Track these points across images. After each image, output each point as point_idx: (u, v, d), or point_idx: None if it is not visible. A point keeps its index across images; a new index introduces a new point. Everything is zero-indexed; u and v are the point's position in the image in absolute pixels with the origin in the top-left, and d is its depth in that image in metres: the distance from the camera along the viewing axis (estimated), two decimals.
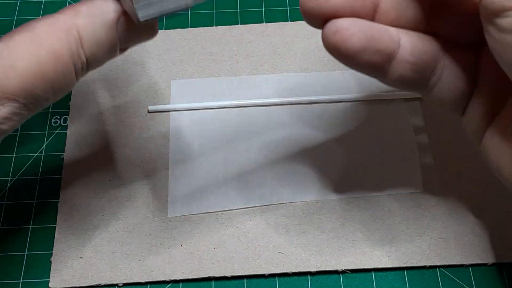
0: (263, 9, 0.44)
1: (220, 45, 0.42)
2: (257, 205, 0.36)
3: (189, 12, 0.44)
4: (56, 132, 0.38)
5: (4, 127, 0.26)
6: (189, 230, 0.35)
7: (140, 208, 0.36)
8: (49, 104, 0.27)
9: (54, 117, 0.39)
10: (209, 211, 0.36)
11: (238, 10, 0.44)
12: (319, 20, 0.28)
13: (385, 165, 0.37)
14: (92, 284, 0.33)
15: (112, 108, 0.38)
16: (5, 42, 0.25)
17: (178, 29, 0.43)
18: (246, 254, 0.34)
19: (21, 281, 0.33)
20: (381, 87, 0.39)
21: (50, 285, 0.33)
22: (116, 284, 0.33)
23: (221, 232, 0.35)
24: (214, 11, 0.44)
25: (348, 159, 0.37)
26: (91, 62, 0.27)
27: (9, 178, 0.37)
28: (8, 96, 0.25)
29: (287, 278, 0.34)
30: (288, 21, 0.43)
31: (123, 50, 0.29)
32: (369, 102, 0.39)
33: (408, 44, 0.27)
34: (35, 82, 0.25)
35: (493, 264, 0.33)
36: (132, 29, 0.27)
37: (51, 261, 0.34)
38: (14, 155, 0.37)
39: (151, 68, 0.41)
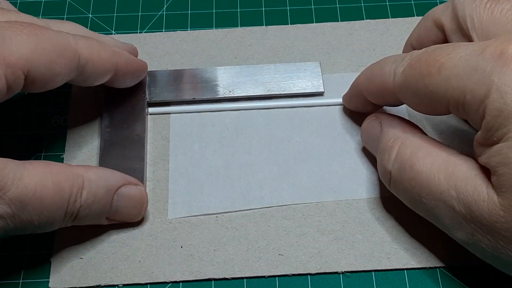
0: (263, 9, 0.44)
1: (220, 48, 0.42)
2: (257, 207, 0.36)
3: (189, 12, 0.44)
4: (56, 132, 0.38)
5: None
6: (189, 231, 0.35)
7: None
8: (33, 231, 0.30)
9: (54, 117, 0.39)
10: (209, 213, 0.36)
11: (238, 10, 0.44)
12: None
13: None
14: (92, 285, 0.33)
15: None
16: (25, 165, 0.29)
17: (178, 31, 0.43)
18: (246, 256, 0.34)
19: (21, 281, 0.33)
20: None
21: (50, 285, 0.33)
22: (116, 285, 0.33)
23: (221, 234, 0.35)
24: (214, 11, 0.44)
25: (348, 160, 0.37)
26: (80, 214, 0.31)
27: None
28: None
29: (287, 278, 0.34)
30: (288, 22, 0.43)
31: (108, 220, 0.34)
32: None
33: None
34: (29, 203, 0.28)
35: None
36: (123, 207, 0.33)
37: (51, 261, 0.34)
38: (14, 155, 0.37)
39: (151, 69, 0.41)
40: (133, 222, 0.35)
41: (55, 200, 0.29)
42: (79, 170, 0.31)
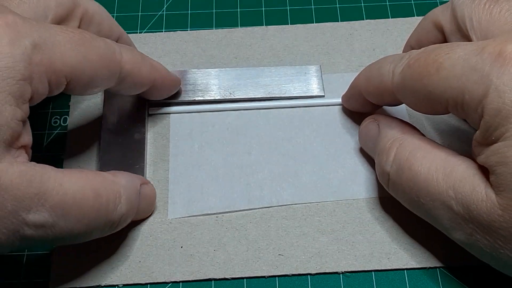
0: (263, 9, 0.44)
1: (220, 48, 0.42)
2: (257, 207, 0.36)
3: (189, 12, 0.44)
4: (56, 132, 0.38)
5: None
6: (189, 231, 0.35)
7: None
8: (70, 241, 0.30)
9: (54, 117, 0.39)
10: (209, 213, 0.36)
11: (238, 10, 0.44)
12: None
13: None
14: (92, 285, 0.33)
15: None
16: (63, 172, 0.28)
17: (178, 31, 0.43)
18: (246, 256, 0.34)
19: (21, 281, 0.33)
20: None
21: (50, 285, 0.33)
22: (116, 285, 0.33)
23: (221, 234, 0.35)
24: (214, 11, 0.44)
25: (348, 160, 0.37)
26: (121, 221, 0.31)
27: None
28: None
29: (287, 278, 0.34)
30: (288, 22, 0.43)
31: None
32: None
33: None
34: (70, 210, 0.28)
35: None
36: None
37: (51, 261, 0.34)
38: None
39: None
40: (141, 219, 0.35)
41: (95, 208, 0.29)
42: (113, 177, 0.31)
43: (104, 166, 0.35)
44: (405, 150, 0.31)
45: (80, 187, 0.28)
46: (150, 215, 0.35)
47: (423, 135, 0.33)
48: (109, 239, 0.34)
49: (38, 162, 0.37)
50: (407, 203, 0.32)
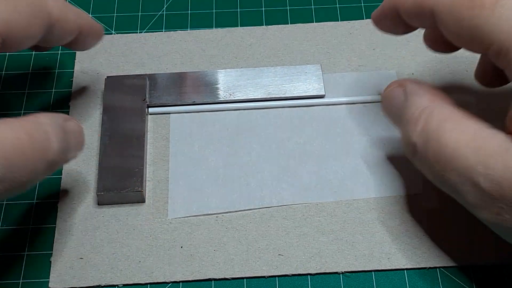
0: (263, 9, 0.44)
1: (220, 47, 0.42)
2: (257, 207, 0.36)
3: (189, 12, 0.44)
4: None
5: None
6: (189, 231, 0.35)
7: (140, 210, 0.36)
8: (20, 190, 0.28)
9: None
10: (209, 213, 0.36)
11: (238, 10, 0.44)
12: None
13: (385, 166, 0.37)
14: (92, 285, 0.33)
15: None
16: None
17: (178, 31, 0.43)
18: (246, 256, 0.34)
19: (21, 281, 0.33)
20: (381, 89, 0.39)
21: (50, 285, 0.33)
22: (116, 285, 0.33)
23: (221, 234, 0.35)
24: (214, 11, 0.44)
25: (348, 160, 0.37)
26: (60, 155, 0.29)
27: None
28: None
29: (287, 278, 0.34)
30: (288, 22, 0.43)
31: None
32: (368, 104, 0.39)
33: None
34: (13, 158, 0.26)
35: (493, 265, 0.34)
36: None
37: (51, 261, 0.34)
38: None
39: (151, 70, 0.41)
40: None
41: (34, 150, 0.27)
42: (36, 118, 0.29)
43: (104, 166, 0.35)
44: (434, 120, 0.29)
45: (15, 132, 0.27)
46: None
47: (454, 103, 0.30)
48: (109, 239, 0.34)
49: None
50: (432, 176, 0.30)
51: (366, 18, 0.43)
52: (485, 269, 0.32)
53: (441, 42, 0.33)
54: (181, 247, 0.34)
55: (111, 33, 0.43)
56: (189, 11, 0.44)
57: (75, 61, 0.41)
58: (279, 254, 0.34)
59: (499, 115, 0.28)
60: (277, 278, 0.34)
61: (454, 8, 0.27)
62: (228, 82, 0.39)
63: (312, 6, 0.44)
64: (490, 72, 0.33)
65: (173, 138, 0.38)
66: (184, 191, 0.36)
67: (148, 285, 0.34)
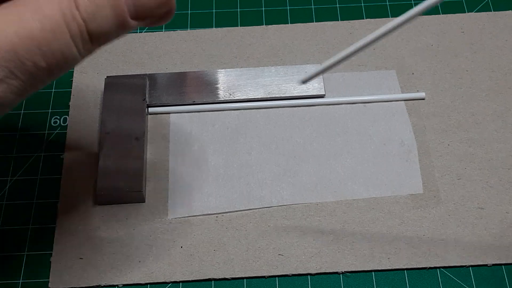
0: (263, 9, 0.44)
1: (220, 47, 0.42)
2: (257, 207, 0.36)
3: (189, 12, 0.44)
4: (56, 132, 0.38)
5: None
6: (189, 231, 0.35)
7: (140, 209, 0.36)
8: (47, 80, 0.24)
9: (54, 117, 0.39)
10: (209, 213, 0.36)
11: (238, 10, 0.44)
12: None
13: (385, 166, 0.37)
14: (92, 285, 0.33)
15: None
16: None
17: (178, 30, 0.43)
18: (246, 256, 0.34)
19: (21, 281, 0.33)
20: (381, 88, 0.39)
21: (50, 285, 0.33)
22: (116, 285, 0.33)
23: (221, 234, 0.35)
24: (214, 10, 0.44)
25: (348, 160, 0.37)
26: (92, 29, 0.23)
27: (9, 178, 0.36)
28: None
29: (287, 278, 0.34)
30: (288, 21, 0.43)
31: (137, 21, 0.25)
32: (368, 104, 0.39)
33: None
34: (16, 41, 0.22)
35: (493, 264, 0.34)
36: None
37: (51, 261, 0.34)
38: (14, 155, 0.37)
39: (151, 69, 0.41)
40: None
41: (46, 28, 0.22)
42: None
43: (103, 165, 0.35)
44: None
45: (16, 14, 0.22)
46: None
47: None
48: (108, 239, 0.34)
49: (38, 162, 0.38)
50: None
51: (366, 18, 0.43)
52: (485, 269, 0.32)
53: None
54: (181, 247, 0.34)
55: None
56: (189, 11, 0.44)
57: None
58: (279, 254, 0.34)
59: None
60: (277, 278, 0.34)
61: None
62: (228, 82, 0.39)
63: (312, 6, 0.44)
64: None
65: (173, 138, 0.38)
66: (184, 191, 0.36)
67: (148, 285, 0.34)
